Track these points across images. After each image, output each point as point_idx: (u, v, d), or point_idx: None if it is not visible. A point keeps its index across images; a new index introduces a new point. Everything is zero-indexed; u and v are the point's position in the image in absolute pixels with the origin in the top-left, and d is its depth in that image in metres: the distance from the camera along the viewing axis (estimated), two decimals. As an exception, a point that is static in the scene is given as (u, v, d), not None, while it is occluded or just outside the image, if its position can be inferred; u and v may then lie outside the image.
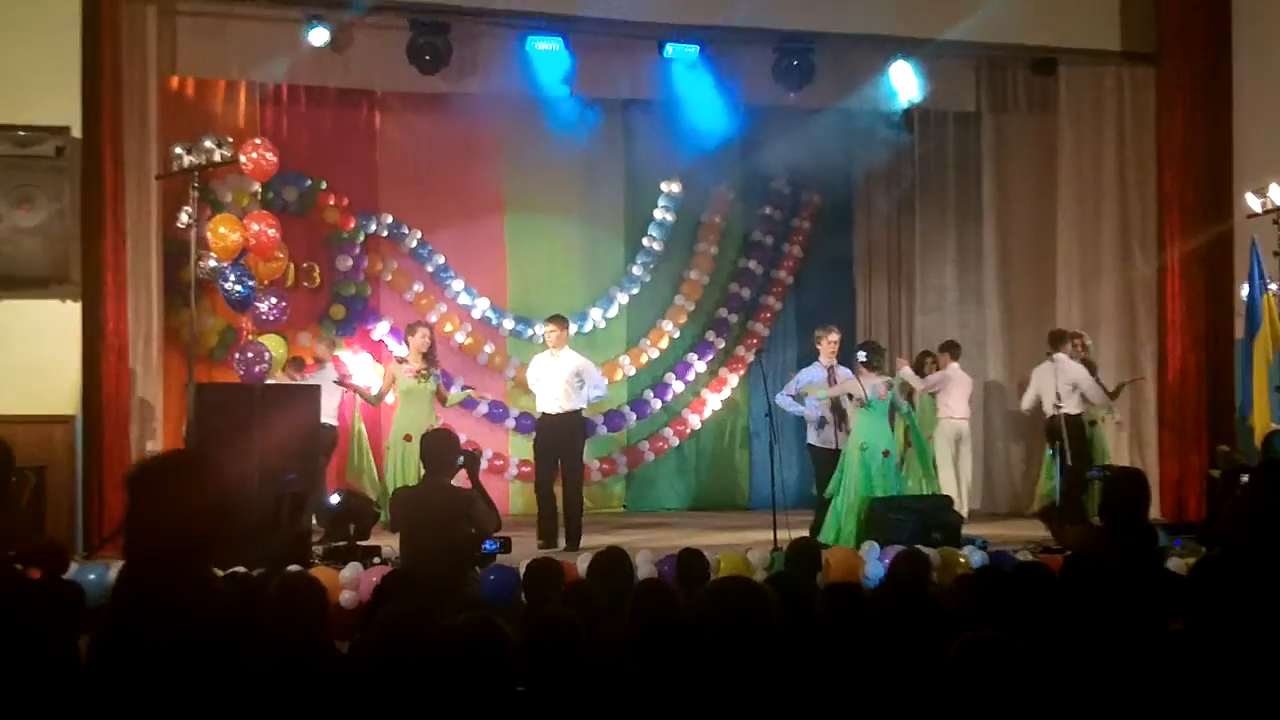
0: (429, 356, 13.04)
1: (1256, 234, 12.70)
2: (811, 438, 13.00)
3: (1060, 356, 13.01)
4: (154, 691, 2.96)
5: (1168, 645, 5.16)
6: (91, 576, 8.69)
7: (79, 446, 10.80)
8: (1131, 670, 4.37)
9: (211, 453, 3.38)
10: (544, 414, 12.70)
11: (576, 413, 12.60)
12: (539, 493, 12.47)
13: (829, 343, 12.83)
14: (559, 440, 12.52)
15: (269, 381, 12.51)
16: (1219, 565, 6.01)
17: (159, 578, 3.04)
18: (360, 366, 14.84)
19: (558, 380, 12.51)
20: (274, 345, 13.05)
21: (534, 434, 13.28)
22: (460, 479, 8.51)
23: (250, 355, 12.38)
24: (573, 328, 15.86)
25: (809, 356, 13.78)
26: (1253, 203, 12.71)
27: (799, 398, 12.83)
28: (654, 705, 4.38)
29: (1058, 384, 12.87)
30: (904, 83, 14.51)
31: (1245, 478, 9.52)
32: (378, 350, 15.37)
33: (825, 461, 12.72)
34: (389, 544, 10.00)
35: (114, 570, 7.09)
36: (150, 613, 3.04)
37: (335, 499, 11.23)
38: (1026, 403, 13.56)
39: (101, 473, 11.11)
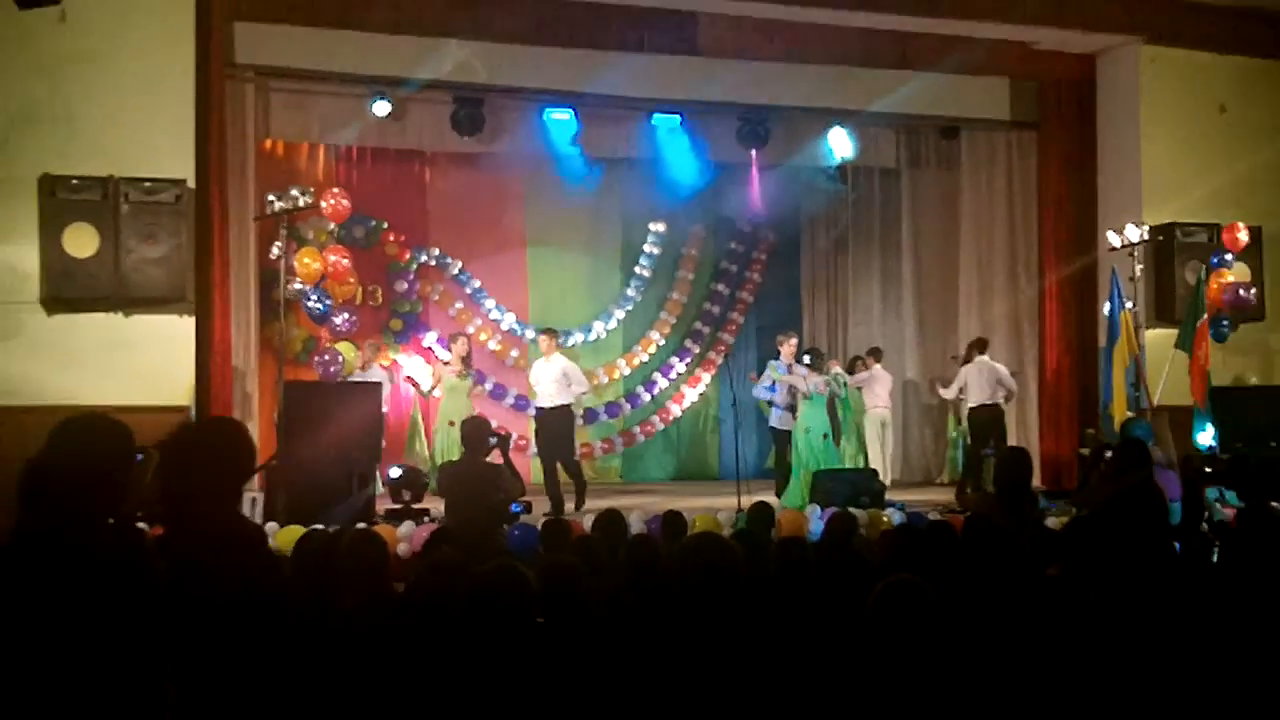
0: (467, 360, 13.03)
1: (1115, 264, 12.70)
2: (773, 420, 13.03)
3: (984, 358, 13.02)
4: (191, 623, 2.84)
5: (1046, 586, 5.17)
6: (202, 532, 8.68)
7: (193, 430, 10.77)
8: (1017, 605, 4.38)
9: (229, 422, 3.24)
10: (539, 408, 12.55)
11: (565, 407, 12.39)
12: (544, 470, 12.33)
13: (789, 345, 12.85)
14: (553, 430, 12.37)
15: (342, 379, 12.51)
16: (1086, 523, 6.02)
17: (185, 527, 2.96)
18: (414, 367, 14.85)
19: (549, 380, 12.42)
20: (346, 351, 13.04)
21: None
22: (494, 456, 8.50)
23: (327, 358, 12.37)
24: (579, 336, 16.04)
25: (765, 360, 13.80)
26: (1113, 240, 12.72)
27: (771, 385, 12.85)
28: (643, 634, 4.39)
29: (982, 379, 12.88)
30: (840, 145, 14.50)
31: (1109, 454, 9.53)
32: (428, 355, 15.37)
33: (782, 440, 12.81)
34: (436, 507, 9.99)
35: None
36: (186, 555, 2.96)
37: (396, 472, 11.22)
38: (951, 393, 13.51)
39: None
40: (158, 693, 3.20)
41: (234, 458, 3.04)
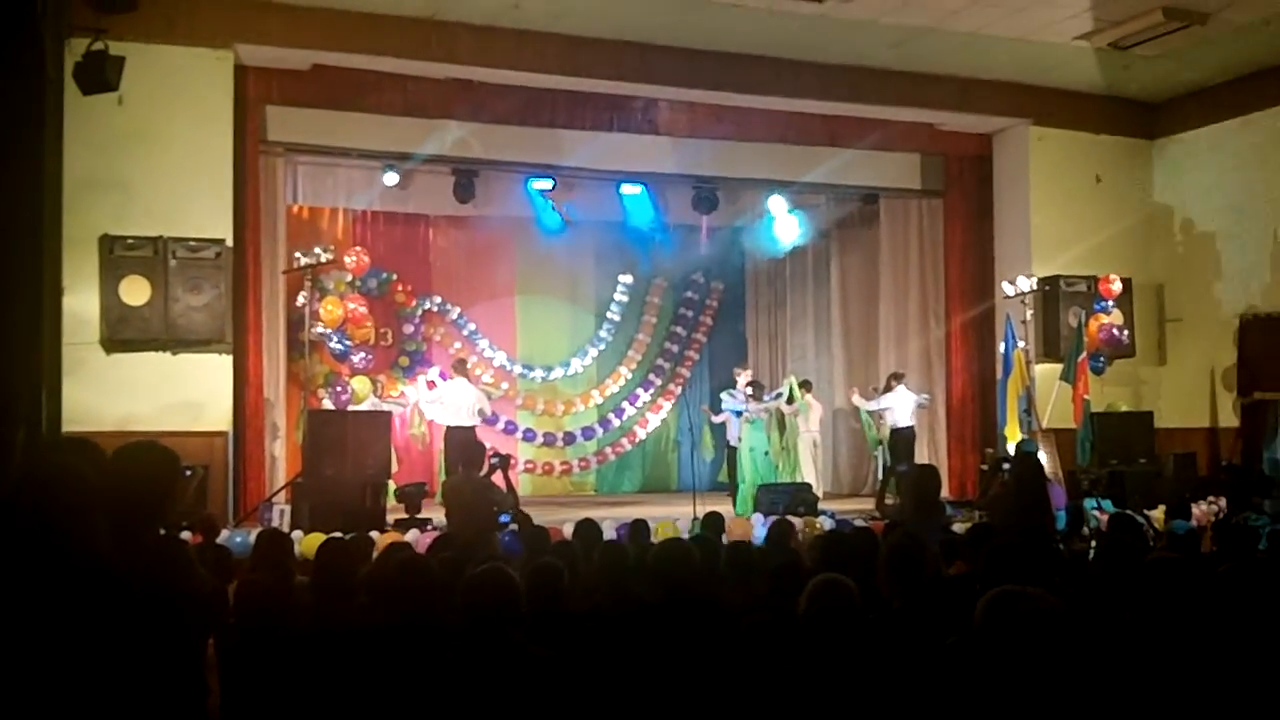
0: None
1: (1009, 310, 12.82)
2: (731, 438, 13.24)
3: (901, 388, 13.12)
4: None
5: (951, 582, 5.20)
6: (237, 540, 8.63)
7: (230, 452, 10.71)
8: (926, 598, 4.40)
9: (146, 449, 2.91)
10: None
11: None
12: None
13: (745, 375, 13.28)
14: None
15: (354, 408, 12.46)
16: (986, 527, 6.07)
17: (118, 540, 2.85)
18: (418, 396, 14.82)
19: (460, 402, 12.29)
20: (361, 384, 13.01)
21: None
22: (495, 476, 8.43)
23: (339, 389, 12.35)
24: (560, 371, 16.12)
25: (716, 392, 13.88)
26: (1007, 289, 12.84)
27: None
28: (613, 623, 4.40)
29: (904, 404, 13.00)
30: (778, 209, 14.61)
31: (1006, 466, 9.62)
32: (431, 386, 15.33)
33: (733, 456, 12.95)
34: (438, 516, 9.94)
35: (253, 536, 7.03)
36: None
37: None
38: (870, 405, 13.55)
39: (245, 470, 11.00)
40: (197, 689, 3.15)
41: (141, 482, 2.94)
